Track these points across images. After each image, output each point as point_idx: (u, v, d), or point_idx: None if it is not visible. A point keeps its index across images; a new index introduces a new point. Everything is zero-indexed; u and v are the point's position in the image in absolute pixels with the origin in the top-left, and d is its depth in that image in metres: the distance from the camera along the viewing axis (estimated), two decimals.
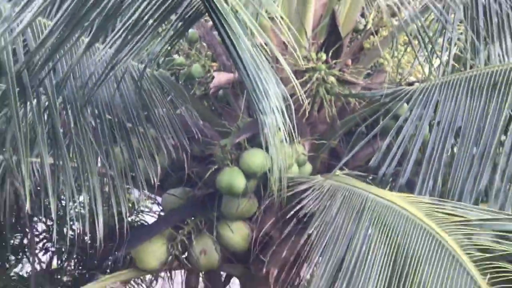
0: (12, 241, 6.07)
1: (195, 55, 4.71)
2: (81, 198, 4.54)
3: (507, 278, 2.76)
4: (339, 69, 4.19)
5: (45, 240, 6.52)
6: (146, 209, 6.27)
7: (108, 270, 5.12)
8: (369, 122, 4.29)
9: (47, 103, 3.59)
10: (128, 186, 4.15)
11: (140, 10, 3.02)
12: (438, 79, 4.20)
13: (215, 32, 4.07)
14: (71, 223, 5.01)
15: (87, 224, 3.89)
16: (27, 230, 5.99)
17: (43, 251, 6.62)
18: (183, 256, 4.26)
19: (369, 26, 4.48)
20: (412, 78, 4.63)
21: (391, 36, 4.47)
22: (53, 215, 3.92)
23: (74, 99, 3.69)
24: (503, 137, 3.78)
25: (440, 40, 4.70)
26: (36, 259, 6.04)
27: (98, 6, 2.88)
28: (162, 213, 4.85)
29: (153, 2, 3.03)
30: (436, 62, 4.73)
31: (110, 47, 3.22)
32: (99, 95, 3.82)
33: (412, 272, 3.00)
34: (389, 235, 3.27)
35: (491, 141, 3.74)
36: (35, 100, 3.46)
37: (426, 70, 4.68)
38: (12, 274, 6.42)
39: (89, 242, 5.27)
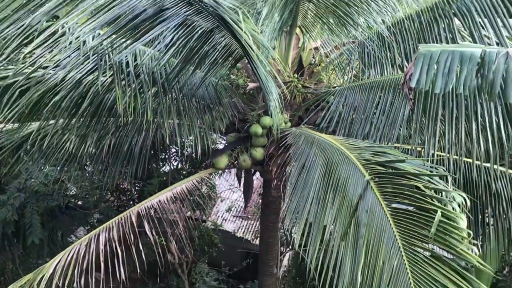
0: (161, 156, 8.27)
1: (240, 75, 6.13)
2: (191, 138, 6.24)
3: (377, 171, 3.86)
4: (302, 81, 6.01)
5: (175, 155, 8.88)
6: (219, 143, 8.39)
7: (202, 168, 7.24)
8: (315, 104, 5.98)
9: (175, 95, 5.57)
10: (211, 132, 5.86)
11: (216, 55, 5.04)
12: (346, 85, 5.88)
13: (248, 65, 5.39)
14: (187, 148, 7.19)
15: (194, 149, 5.98)
16: (167, 151, 8.21)
17: (174, 161, 9.12)
18: (235, 161, 5.95)
19: (316, 61, 6.20)
20: (335, 85, 6.19)
21: (325, 66, 6.19)
22: (179, 145, 6.15)
23: (188, 94, 5.65)
24: (375, 111, 5.31)
25: (348, 68, 6.26)
26: (171, 164, 8.31)
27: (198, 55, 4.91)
28: (226, 144, 6.27)
29: (223, 53, 5.02)
30: (345, 77, 6.31)
31: (203, 72, 5.30)
32: (198, 92, 5.70)
33: (334, 169, 4.29)
34: (324, 152, 4.61)
35: (369, 112, 5.35)
36: (169, 95, 5.45)
37: (341, 81, 6.36)
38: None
39: (194, 156, 7.41)
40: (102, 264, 4.84)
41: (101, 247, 4.78)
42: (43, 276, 4.39)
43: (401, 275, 3.19)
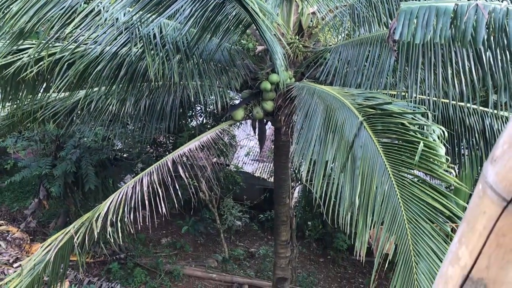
0: (188, 114, 8.34)
1: (249, 40, 5.97)
2: (212, 97, 6.37)
3: (368, 113, 3.86)
4: (303, 42, 5.86)
5: (200, 112, 8.90)
6: (236, 99, 8.16)
7: (222, 121, 7.28)
8: (314, 61, 5.84)
9: (196, 60, 5.48)
10: (228, 90, 5.86)
11: (228, 24, 4.98)
12: (340, 43, 5.76)
13: (256, 30, 5.27)
14: (210, 106, 7.23)
15: (215, 105, 6.02)
16: (193, 109, 8.28)
17: (200, 117, 9.15)
18: (250, 114, 5.99)
19: (314, 24, 6.01)
20: (331, 43, 6.24)
21: (322, 28, 6.07)
22: (202, 103, 6.15)
23: (207, 59, 5.56)
24: (365, 63, 5.17)
25: (341, 28, 6.16)
26: (197, 120, 8.38)
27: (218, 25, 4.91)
28: (241, 100, 6.15)
29: (233, 21, 4.97)
30: (339, 36, 6.24)
31: (218, 39, 5.24)
32: (215, 56, 5.59)
33: (332, 114, 4.27)
34: (324, 100, 4.57)
35: (360, 64, 5.21)
36: (191, 60, 5.39)
37: (336, 40, 6.41)
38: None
39: (215, 111, 7.48)
40: (147, 202, 4.92)
41: (145, 188, 4.86)
42: (99, 213, 4.50)
43: (391, 197, 3.22)
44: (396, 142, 3.49)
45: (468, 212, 0.66)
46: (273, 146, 8.60)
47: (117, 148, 10.21)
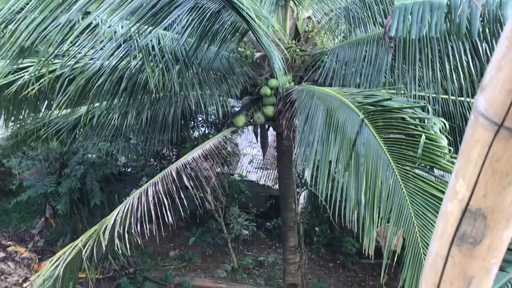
0: (190, 125, 8.35)
1: (247, 47, 5.97)
2: (213, 107, 6.19)
3: (369, 110, 3.88)
4: (300, 46, 5.88)
5: (202, 123, 8.90)
6: (236, 107, 8.01)
7: (224, 128, 7.06)
8: (312, 64, 5.91)
9: (195, 70, 5.51)
10: (229, 98, 5.96)
11: (225, 32, 4.97)
12: (337, 45, 5.86)
13: (253, 37, 5.32)
14: (211, 116, 7.21)
15: (216, 114, 6.02)
16: (195, 120, 8.29)
17: (202, 127, 9.16)
18: (251, 120, 6.02)
19: (310, 28, 6.10)
20: (328, 46, 6.06)
21: (318, 31, 6.11)
22: (204, 112, 6.16)
23: (206, 67, 5.60)
24: (363, 63, 5.21)
25: (337, 30, 6.18)
26: (199, 130, 8.38)
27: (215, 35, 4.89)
28: (242, 106, 6.15)
29: (230, 30, 4.96)
30: (336, 40, 6.23)
31: (216, 47, 5.20)
32: (214, 65, 5.61)
33: (333, 114, 4.28)
34: (324, 101, 4.59)
35: (358, 64, 5.26)
36: (191, 70, 5.41)
37: (333, 42, 6.24)
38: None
39: (217, 119, 7.49)
40: (153, 214, 4.92)
41: (150, 199, 4.87)
42: (106, 226, 4.51)
43: (397, 191, 3.22)
44: (398, 137, 3.49)
45: (463, 145, 0.68)
46: (276, 153, 8.61)
47: (121, 162, 10.23)
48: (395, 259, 3.14)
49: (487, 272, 0.68)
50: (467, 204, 0.66)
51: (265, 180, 12.66)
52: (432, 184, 3.10)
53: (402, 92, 4.87)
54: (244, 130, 8.37)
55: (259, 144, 7.06)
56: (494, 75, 0.61)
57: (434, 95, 4.78)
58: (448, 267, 0.70)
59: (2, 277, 8.51)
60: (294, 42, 5.88)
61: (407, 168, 3.27)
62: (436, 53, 4.45)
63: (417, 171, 3.24)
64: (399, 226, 3.10)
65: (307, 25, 6.07)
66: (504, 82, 0.60)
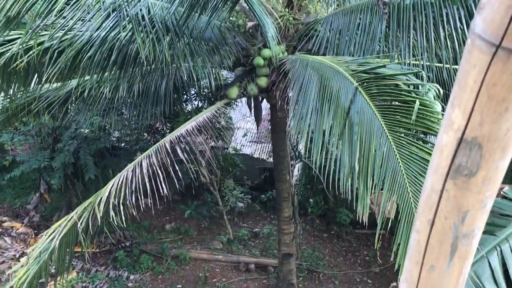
0: (182, 98, 8.27)
1: (239, 16, 5.91)
2: (205, 79, 6.19)
3: (363, 78, 3.89)
4: (293, 15, 5.79)
5: (195, 95, 8.84)
6: (229, 78, 7.95)
7: (217, 100, 7.03)
8: (306, 33, 5.84)
9: (187, 40, 5.37)
10: (222, 69, 5.96)
11: (218, 0, 4.94)
12: (331, 13, 5.76)
13: (245, 4, 5.31)
14: (204, 89, 7.11)
15: (209, 84, 5.95)
16: (187, 93, 8.20)
17: (195, 99, 9.07)
18: (245, 91, 5.93)
19: None
20: (321, 15, 6.07)
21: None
22: (196, 85, 6.11)
23: (198, 37, 5.45)
24: (357, 31, 5.15)
25: None
26: (192, 104, 8.32)
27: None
28: (235, 77, 6.14)
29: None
30: (330, 7, 6.22)
31: (207, 16, 5.14)
32: (206, 35, 5.53)
33: (327, 83, 4.28)
34: (318, 70, 4.57)
35: (352, 33, 5.20)
36: (182, 40, 5.29)
37: (326, 10, 6.27)
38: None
39: (209, 91, 7.43)
40: (148, 187, 4.91)
41: (145, 171, 4.86)
42: (101, 198, 4.50)
43: (390, 158, 3.22)
44: (392, 104, 3.47)
45: (459, 73, 0.66)
46: (270, 126, 8.64)
47: (115, 137, 10.16)
48: (388, 229, 3.16)
49: (482, 206, 0.67)
50: (463, 134, 0.65)
51: (259, 153, 12.67)
52: (426, 149, 3.10)
53: (396, 60, 4.80)
54: (237, 103, 8.29)
55: (253, 117, 7.00)
56: None
57: (428, 63, 4.73)
58: (442, 202, 0.70)
59: None
60: (287, 10, 5.76)
61: (401, 134, 3.25)
62: (431, 20, 4.38)
63: (410, 137, 3.23)
64: (393, 192, 3.11)
65: None
66: None
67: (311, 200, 11.62)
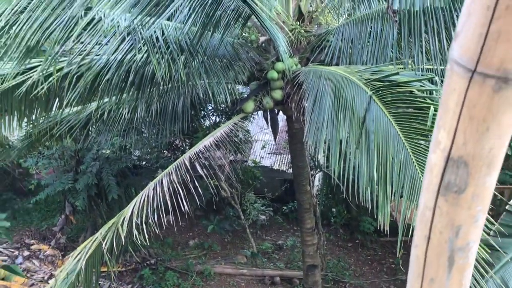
0: (200, 115, 8.38)
1: (251, 32, 6.02)
2: (222, 95, 6.07)
3: (376, 86, 3.90)
4: (304, 27, 5.86)
5: (212, 112, 9.01)
6: (244, 93, 8.00)
7: (234, 115, 7.04)
8: (318, 44, 5.88)
9: (201, 58, 5.47)
10: (237, 84, 5.99)
11: (228, 18, 5.00)
12: (342, 23, 5.78)
13: (256, 21, 5.18)
14: (221, 104, 7.17)
15: (225, 102, 6.02)
16: (204, 109, 8.31)
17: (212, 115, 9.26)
18: (260, 105, 5.96)
19: (313, 8, 6.07)
20: (332, 25, 6.13)
21: (322, 10, 6.15)
22: (213, 101, 6.21)
23: (211, 55, 5.59)
24: (368, 39, 5.17)
25: (341, 8, 6.16)
26: (210, 119, 8.40)
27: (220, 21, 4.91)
28: (250, 91, 6.21)
29: (233, 15, 4.98)
30: (341, 17, 6.16)
31: (220, 34, 5.21)
32: (219, 52, 5.62)
33: (342, 93, 4.28)
34: (331, 81, 4.59)
35: (364, 41, 5.22)
36: (196, 58, 5.38)
37: (337, 21, 6.27)
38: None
39: (225, 106, 7.52)
40: (169, 204, 4.96)
41: (166, 189, 4.93)
42: (124, 217, 4.58)
43: (408, 165, 3.21)
44: (407, 111, 3.47)
45: (442, 96, 0.69)
46: (287, 136, 8.67)
47: (136, 156, 10.32)
48: (410, 234, 3.13)
49: (474, 220, 0.70)
50: (449, 153, 0.68)
51: (279, 165, 12.69)
52: None
53: (409, 66, 4.82)
54: (254, 116, 8.33)
55: (270, 129, 7.02)
56: (466, 21, 0.61)
57: (442, 67, 4.72)
58: (436, 218, 0.73)
59: (28, 275, 8.70)
60: (298, 23, 5.81)
61: (418, 141, 3.24)
62: (442, 23, 4.37)
63: (427, 143, 3.21)
64: (412, 199, 3.09)
65: (310, 5, 5.99)
66: (475, 26, 0.60)
67: (333, 209, 11.55)
